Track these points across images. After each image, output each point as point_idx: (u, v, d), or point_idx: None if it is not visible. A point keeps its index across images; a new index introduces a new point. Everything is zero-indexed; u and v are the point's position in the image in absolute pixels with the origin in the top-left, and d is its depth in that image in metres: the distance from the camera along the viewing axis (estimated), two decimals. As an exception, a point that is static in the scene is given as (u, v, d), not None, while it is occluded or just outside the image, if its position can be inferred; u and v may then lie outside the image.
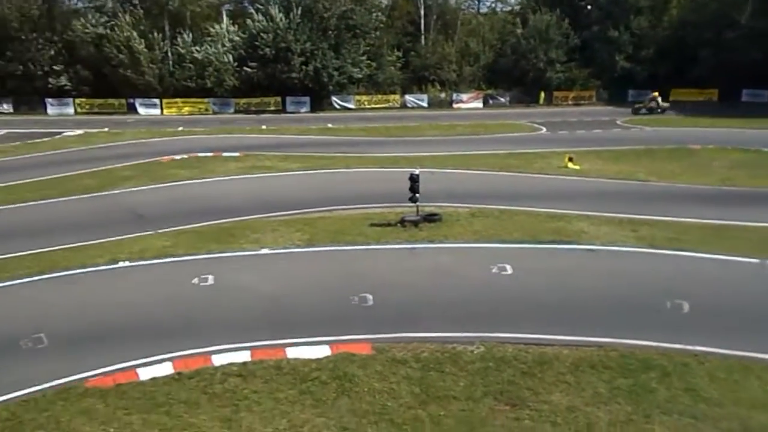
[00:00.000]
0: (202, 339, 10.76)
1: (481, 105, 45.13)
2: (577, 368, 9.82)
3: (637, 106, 40.34)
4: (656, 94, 40.39)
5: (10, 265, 14.42)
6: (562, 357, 10.13)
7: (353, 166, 24.44)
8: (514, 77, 45.66)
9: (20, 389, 9.36)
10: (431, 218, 16.99)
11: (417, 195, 16.51)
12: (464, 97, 45.21)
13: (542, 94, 44.57)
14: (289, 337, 10.85)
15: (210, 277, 13.48)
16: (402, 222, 16.80)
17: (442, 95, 45.32)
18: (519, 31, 46.24)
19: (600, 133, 32.24)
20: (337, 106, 43.87)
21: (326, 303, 12.27)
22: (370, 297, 12.36)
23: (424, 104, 44.64)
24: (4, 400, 9.12)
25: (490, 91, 46.02)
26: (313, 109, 42.86)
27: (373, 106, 44.15)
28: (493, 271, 13.59)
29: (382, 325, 11.25)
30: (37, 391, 9.35)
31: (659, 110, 39.50)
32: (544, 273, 13.60)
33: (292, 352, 10.31)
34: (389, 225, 16.85)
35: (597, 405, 8.91)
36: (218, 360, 10.13)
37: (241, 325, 11.38)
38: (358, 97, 44.41)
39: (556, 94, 44.77)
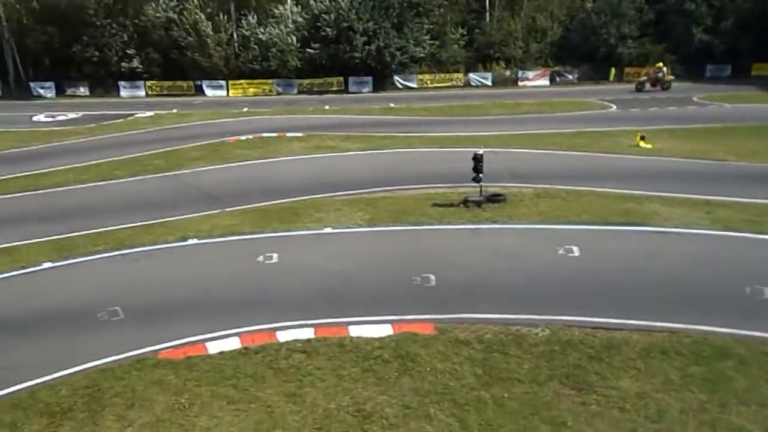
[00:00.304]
0: (267, 315, 11.01)
1: (547, 83, 43.91)
2: (647, 354, 9.52)
3: (641, 80, 38.19)
4: (661, 64, 38.38)
5: (85, 242, 15.14)
6: (631, 342, 9.84)
7: (416, 145, 24.31)
8: (583, 53, 44.07)
9: (98, 359, 9.86)
10: (495, 199, 16.74)
11: (480, 175, 16.27)
12: (530, 74, 44.09)
13: (613, 71, 42.89)
14: (351, 315, 10.97)
15: (275, 255, 13.76)
16: (465, 202, 16.63)
17: (507, 73, 44.32)
18: (589, 5, 44.55)
19: (674, 111, 30.77)
20: (400, 86, 43.63)
21: (388, 282, 12.31)
22: (433, 277, 12.33)
23: (488, 83, 43.82)
24: (84, 369, 9.62)
25: (557, 68, 44.63)
26: (375, 89, 42.81)
27: (436, 85, 43.66)
28: (560, 252, 13.29)
29: (444, 305, 11.22)
30: (113, 362, 9.82)
31: (665, 85, 37.24)
32: (614, 255, 13.19)
33: (354, 331, 10.43)
34: (452, 205, 16.71)
35: (668, 392, 8.62)
36: (283, 336, 10.36)
37: (304, 302, 11.59)
38: (420, 77, 44.01)
39: (627, 70, 42.86)
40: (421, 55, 43.34)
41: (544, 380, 9.02)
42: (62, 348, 10.31)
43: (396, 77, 43.73)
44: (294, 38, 42.54)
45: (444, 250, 13.94)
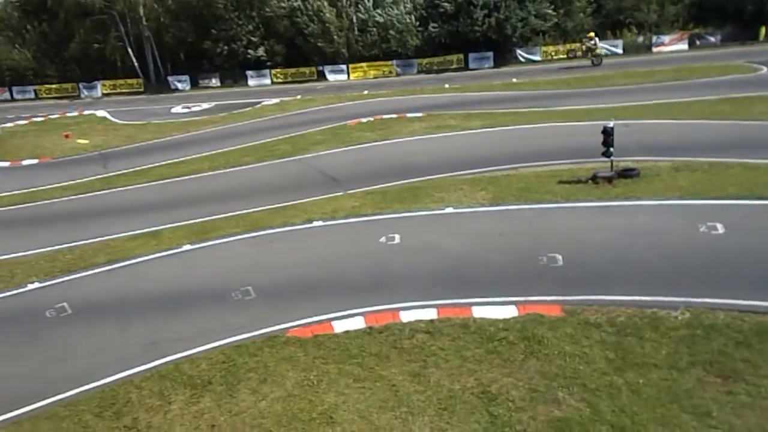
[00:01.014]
0: (390, 296, 11.18)
1: (686, 47, 40.55)
2: (806, 341, 8.61)
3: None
4: (592, 34, 36.70)
5: (220, 224, 16.17)
6: (787, 328, 8.94)
7: (539, 121, 23.47)
8: (727, 13, 40.24)
9: (233, 336, 10.52)
10: (627, 173, 15.81)
11: (611, 149, 15.42)
12: (666, 39, 40.93)
13: (763, 30, 38.81)
14: (475, 296, 10.87)
15: (396, 236, 13.92)
16: (594, 178, 15.85)
17: (640, 39, 41.47)
18: (735, -43, 40.55)
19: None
20: (522, 60, 42.26)
21: (513, 263, 12.05)
22: (560, 257, 11.90)
23: (619, 51, 41.23)
24: (220, 345, 10.31)
25: (697, 31, 41.15)
26: (496, 65, 41.79)
27: (561, 56, 41.82)
28: (701, 230, 12.31)
29: (572, 286, 10.81)
30: (246, 339, 10.42)
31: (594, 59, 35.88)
32: (764, 233, 12.02)
33: (478, 312, 10.32)
34: (579, 182, 15.99)
35: (832, 384, 7.76)
36: (406, 316, 10.47)
37: (427, 283, 11.63)
38: (544, 48, 42.35)
39: (781, 27, 38.71)
40: (543, 29, 41.73)
41: (685, 367, 8.43)
42: (201, 325, 11.10)
43: (518, 51, 42.43)
44: (412, 17, 42.51)
45: (571, 229, 13.39)
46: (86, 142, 29.07)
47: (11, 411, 9.11)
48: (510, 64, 41.86)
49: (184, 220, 16.66)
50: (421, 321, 10.29)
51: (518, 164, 17.97)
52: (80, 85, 47.33)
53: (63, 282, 13.58)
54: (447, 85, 35.56)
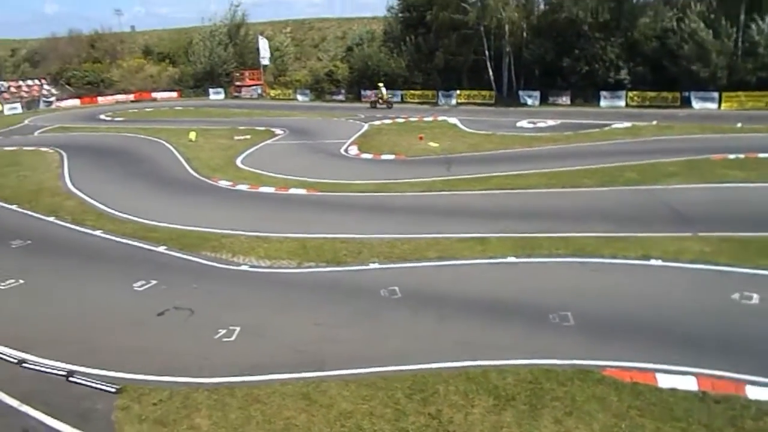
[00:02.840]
0: (736, 363, 9.63)
1: None
2: None
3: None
4: (381, 84, 45.45)
5: (544, 243, 15.98)
6: None
7: None
8: None
9: (543, 358, 10.26)
10: None
11: None
12: None
13: None
14: None
15: (755, 295, 11.97)
16: None
17: None
18: None
19: None
20: None
21: None
22: None
23: None
24: (529, 364, 10.15)
25: None
26: None
27: None
28: None
29: None
30: (557, 365, 10.08)
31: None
32: None
33: None
34: None
35: None
36: (753, 392, 8.91)
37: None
38: None
39: None
40: None
41: None
42: (513, 338, 11.12)
43: None
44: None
45: None
46: (436, 145, 31.77)
47: (345, 369, 10.33)
48: None
49: (512, 232, 16.90)
50: (774, 403, 8.63)
51: None
52: (439, 93, 52.05)
53: (397, 268, 14.97)
54: None
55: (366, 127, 39.66)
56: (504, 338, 11.14)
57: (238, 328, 11.93)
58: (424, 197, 21.94)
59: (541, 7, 50.53)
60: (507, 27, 47.48)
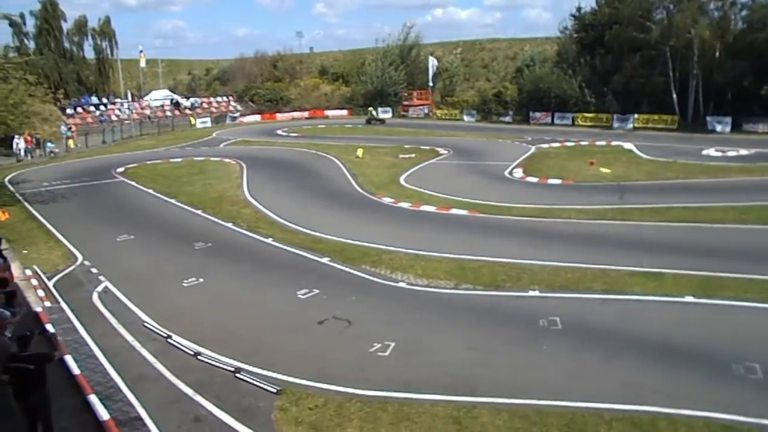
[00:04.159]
0: None
1: None
2: None
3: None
4: (370, 108, 60.82)
5: (729, 284, 14.60)
6: None
7: None
8: None
9: (724, 413, 9.34)
10: None
11: None
12: None
13: None
14: None
15: None
16: None
17: None
18: None
19: None
20: None
21: None
22: None
23: None
24: (705, 417, 9.28)
25: None
26: None
27: None
28: None
29: None
30: (739, 422, 9.12)
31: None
32: None
33: None
34: None
35: None
36: None
37: None
38: None
39: None
40: None
41: None
42: (690, 386, 10.24)
43: None
44: None
45: None
46: (608, 171, 30.30)
47: (498, 397, 10.16)
48: None
49: (692, 269, 15.61)
50: None
51: None
52: (614, 117, 49.68)
53: (559, 297, 14.44)
54: None
55: (533, 149, 38.90)
56: (678, 385, 10.28)
57: (392, 344, 12.17)
58: (593, 225, 20.96)
59: (739, 25, 46.34)
60: (696, 47, 44.27)
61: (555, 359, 11.43)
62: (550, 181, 28.86)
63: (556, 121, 53.26)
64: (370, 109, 62.60)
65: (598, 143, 40.78)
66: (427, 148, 40.21)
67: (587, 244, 18.57)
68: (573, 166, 32.02)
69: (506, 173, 31.01)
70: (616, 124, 49.42)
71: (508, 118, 56.74)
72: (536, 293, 14.69)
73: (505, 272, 16.12)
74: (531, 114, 54.66)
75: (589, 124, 51.13)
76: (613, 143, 40.36)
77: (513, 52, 73.76)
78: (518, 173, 30.87)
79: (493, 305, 14.22)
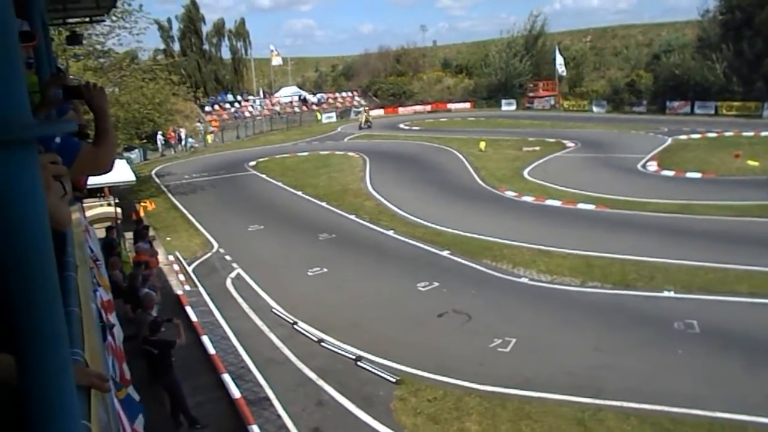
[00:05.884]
0: None
1: None
2: None
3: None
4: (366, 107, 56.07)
5: None
6: None
7: None
8: None
9: None
10: None
11: None
12: None
13: None
14: None
15: None
16: None
17: None
18: None
19: None
20: None
21: None
22: None
23: None
24: None
25: None
26: None
27: None
28: None
29: None
30: None
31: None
32: None
33: None
34: None
35: None
36: None
37: None
38: None
39: None
40: None
41: None
42: None
43: None
44: None
45: None
46: (756, 164, 27.81)
47: (626, 401, 9.67)
48: None
49: None
50: None
51: None
52: (764, 105, 45.54)
53: (697, 299, 13.48)
54: None
55: (669, 141, 36.55)
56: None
57: (513, 340, 11.92)
58: (736, 223, 19.35)
59: None
60: None
61: (691, 365, 10.69)
62: (689, 174, 26.97)
63: (697, 111, 49.61)
64: (366, 108, 60.05)
65: (745, 134, 37.52)
66: (553, 140, 38.93)
67: (730, 243, 17.15)
68: (715, 159, 29.68)
69: (639, 166, 29.36)
70: (766, 113, 45.29)
71: (641, 108, 53.63)
72: (671, 294, 13.80)
73: (636, 271, 15.29)
74: (668, 103, 51.33)
75: (734, 113, 47.16)
76: (763, 134, 37.01)
77: (648, 38, 69.56)
78: (652, 166, 29.14)
79: (622, 305, 13.52)
